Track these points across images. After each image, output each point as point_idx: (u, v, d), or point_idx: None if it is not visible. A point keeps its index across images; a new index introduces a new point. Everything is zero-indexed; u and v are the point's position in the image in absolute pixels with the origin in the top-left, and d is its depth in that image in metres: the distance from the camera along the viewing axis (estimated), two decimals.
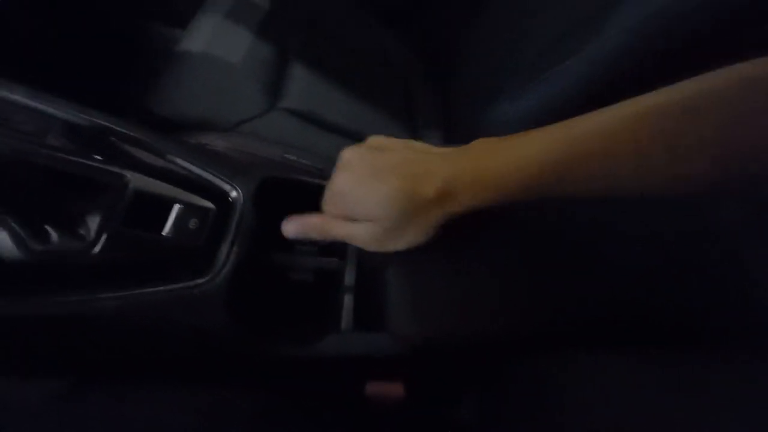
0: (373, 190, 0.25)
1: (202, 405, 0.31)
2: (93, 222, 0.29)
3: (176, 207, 0.31)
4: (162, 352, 0.30)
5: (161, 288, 0.29)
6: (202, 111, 0.48)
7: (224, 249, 0.32)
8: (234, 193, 0.34)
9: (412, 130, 0.68)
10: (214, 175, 0.34)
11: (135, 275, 0.29)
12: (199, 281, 0.30)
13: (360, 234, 0.27)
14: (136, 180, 0.31)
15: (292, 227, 0.31)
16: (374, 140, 0.30)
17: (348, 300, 0.35)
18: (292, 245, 0.40)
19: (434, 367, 0.35)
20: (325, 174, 0.50)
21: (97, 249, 0.28)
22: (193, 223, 0.31)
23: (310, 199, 0.42)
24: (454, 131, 0.68)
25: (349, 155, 0.29)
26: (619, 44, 0.35)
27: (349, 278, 0.37)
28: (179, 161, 0.34)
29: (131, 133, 0.33)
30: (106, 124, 0.33)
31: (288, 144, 0.51)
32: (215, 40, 0.55)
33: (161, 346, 0.31)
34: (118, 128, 0.33)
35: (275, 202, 0.39)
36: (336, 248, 0.41)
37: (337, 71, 0.64)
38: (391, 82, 0.70)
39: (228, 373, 0.33)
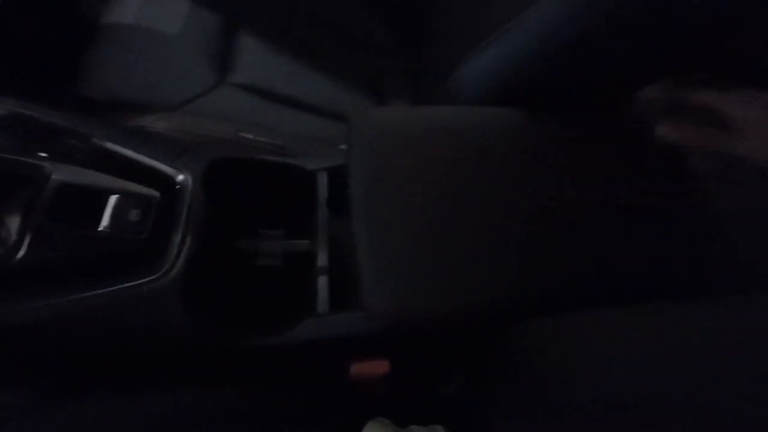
0: None
1: (178, 406, 0.28)
2: (13, 222, 0.25)
3: (112, 198, 0.27)
4: (123, 357, 0.27)
5: (107, 290, 0.25)
6: (137, 91, 0.43)
7: (175, 240, 0.28)
8: (180, 178, 0.31)
9: (380, 102, 0.65)
10: (155, 159, 0.30)
11: (75, 278, 0.26)
12: (149, 278, 0.26)
13: None
14: (59, 171, 0.26)
15: None
16: None
17: (322, 281, 0.33)
18: (256, 230, 0.37)
19: (418, 342, 0.34)
20: (287, 151, 0.47)
21: (21, 252, 0.24)
22: (134, 215, 0.28)
23: (271, 180, 0.39)
24: (424, 101, 0.65)
25: None
26: None
27: (322, 259, 0.35)
28: (112, 146, 0.30)
29: (50, 119, 0.28)
30: (19, 110, 0.28)
31: (241, 121, 0.46)
32: (146, 9, 0.49)
33: (120, 352, 0.28)
34: (33, 114, 0.28)
35: (233, 184, 0.35)
36: (305, 229, 0.38)
37: (291, 41, 0.59)
38: (357, 51, 0.66)
39: (203, 371, 0.30)
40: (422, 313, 0.26)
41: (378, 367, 0.34)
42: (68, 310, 0.25)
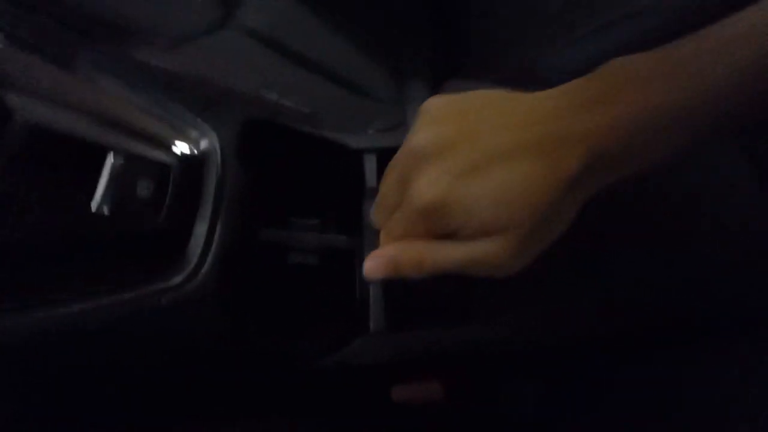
0: (504, 187, 0.16)
1: None
2: None
3: (111, 159, 0.18)
4: (135, 388, 0.19)
5: (101, 302, 0.17)
6: (123, 12, 0.32)
7: (201, 229, 0.20)
8: (205, 142, 0.22)
9: (397, 80, 0.58)
10: (172, 111, 0.22)
11: (52, 281, 0.17)
12: (169, 283, 0.18)
13: (489, 255, 0.17)
14: (29, 107, 0.17)
15: (376, 267, 0.20)
16: (451, 103, 0.19)
17: (376, 292, 0.26)
18: (286, 218, 0.29)
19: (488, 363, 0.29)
20: (316, 121, 0.38)
21: None
22: (144, 189, 0.19)
23: (307, 157, 0.31)
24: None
25: (435, 139, 0.17)
26: None
27: None
28: (107, 84, 0.20)
29: (16, 31, 0.18)
30: None
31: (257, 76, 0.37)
32: None
33: (130, 383, 0.19)
34: None
35: (262, 157, 0.27)
36: (343, 221, 0.31)
37: None
38: (379, 16, 0.57)
39: (234, 400, 0.23)
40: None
41: (431, 390, 0.29)
42: (42, 329, 0.16)
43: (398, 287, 0.28)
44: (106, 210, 0.18)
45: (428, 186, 0.17)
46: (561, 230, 0.18)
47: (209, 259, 0.20)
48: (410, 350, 0.25)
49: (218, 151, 0.22)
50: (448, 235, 0.18)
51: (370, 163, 0.31)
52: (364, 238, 0.29)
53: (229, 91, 0.29)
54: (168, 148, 0.21)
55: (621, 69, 0.17)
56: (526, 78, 0.33)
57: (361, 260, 0.28)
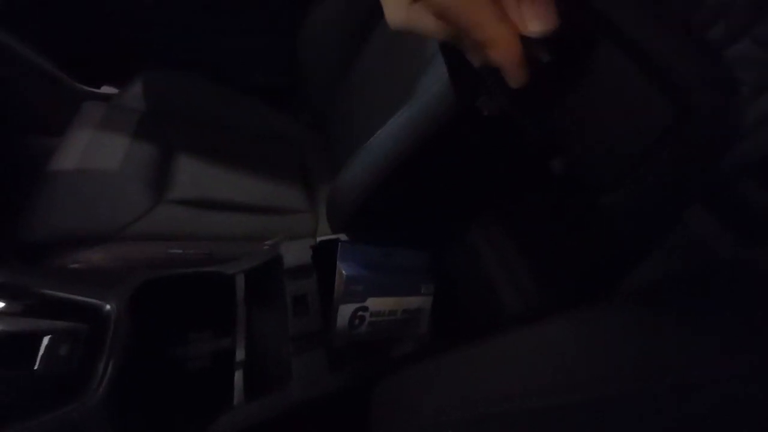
0: None
1: None
2: None
3: (46, 339, 0.33)
4: None
5: (37, 421, 0.30)
6: (78, 225, 0.50)
7: (100, 366, 0.34)
8: (107, 308, 0.37)
9: (311, 197, 0.73)
10: (84, 295, 0.37)
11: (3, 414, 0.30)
12: (75, 406, 0.31)
13: None
14: None
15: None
16: None
17: (238, 376, 0.38)
18: (186, 334, 0.43)
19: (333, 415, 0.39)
20: (214, 257, 0.53)
21: None
22: (64, 350, 0.33)
23: (195, 288, 0.45)
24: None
25: None
26: (423, 108, 0.41)
27: (239, 354, 0.40)
28: (47, 291, 0.36)
29: None
30: None
31: (176, 236, 0.53)
32: (88, 154, 0.57)
33: None
34: None
35: (161, 299, 0.41)
36: (229, 326, 0.44)
37: (224, 153, 0.68)
38: (283, 153, 0.76)
39: None
40: None
41: None
42: None
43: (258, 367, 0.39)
44: (42, 369, 0.32)
45: None
46: None
47: (104, 383, 0.33)
48: (263, 415, 0.36)
49: (114, 314, 0.36)
50: None
51: (240, 281, 0.44)
52: (237, 338, 0.41)
53: (135, 264, 0.45)
54: (81, 318, 0.35)
55: None
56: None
57: (233, 355, 0.40)
